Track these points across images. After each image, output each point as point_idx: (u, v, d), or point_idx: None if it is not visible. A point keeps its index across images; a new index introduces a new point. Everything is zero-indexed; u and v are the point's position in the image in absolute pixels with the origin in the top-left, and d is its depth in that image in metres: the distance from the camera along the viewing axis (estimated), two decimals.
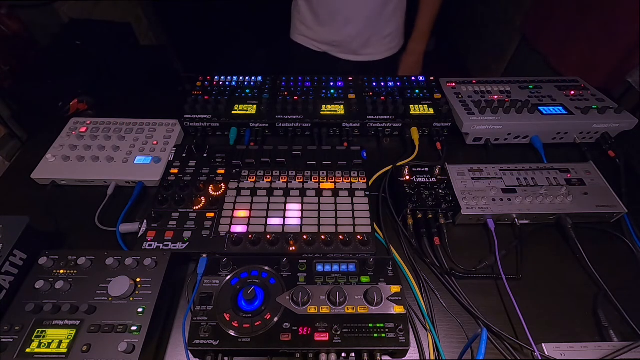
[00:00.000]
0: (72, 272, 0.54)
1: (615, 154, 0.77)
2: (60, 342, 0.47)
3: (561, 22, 1.27)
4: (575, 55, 1.20)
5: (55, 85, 0.99)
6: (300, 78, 0.92)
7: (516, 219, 0.65)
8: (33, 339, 0.48)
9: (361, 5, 1.02)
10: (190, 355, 0.50)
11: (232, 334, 0.49)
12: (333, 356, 0.48)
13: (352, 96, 0.87)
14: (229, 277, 0.54)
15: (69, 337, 0.48)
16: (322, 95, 0.88)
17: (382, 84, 0.91)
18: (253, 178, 0.71)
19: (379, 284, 0.54)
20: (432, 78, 0.92)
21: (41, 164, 0.75)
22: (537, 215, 0.65)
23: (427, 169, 0.71)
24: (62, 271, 0.54)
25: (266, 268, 0.55)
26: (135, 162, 0.76)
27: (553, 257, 0.64)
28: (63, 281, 0.52)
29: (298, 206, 0.66)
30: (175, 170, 0.72)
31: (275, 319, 0.50)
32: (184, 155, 0.75)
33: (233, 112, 0.83)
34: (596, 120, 0.79)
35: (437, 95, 0.87)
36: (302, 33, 1.15)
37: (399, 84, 0.91)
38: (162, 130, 0.83)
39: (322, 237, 0.61)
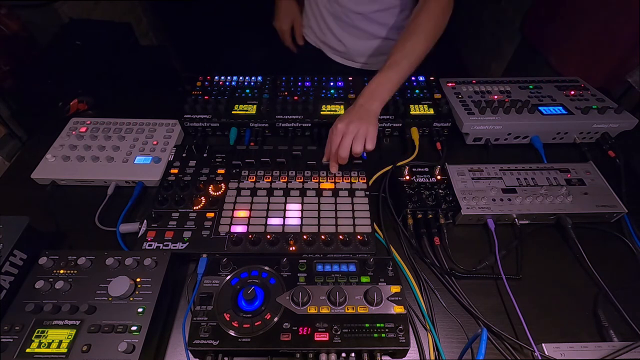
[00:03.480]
0: (72, 272, 0.54)
1: (615, 154, 0.77)
2: (60, 342, 0.47)
3: (561, 22, 1.27)
4: (575, 55, 1.20)
5: (55, 85, 0.99)
6: (300, 78, 0.92)
7: (516, 219, 0.65)
8: (33, 339, 0.48)
9: (376, 21, 0.96)
10: (190, 355, 0.50)
11: (232, 334, 0.49)
12: (333, 356, 0.48)
13: (352, 96, 0.87)
14: (229, 277, 0.54)
15: (69, 337, 0.48)
16: (322, 95, 0.88)
17: None
18: (253, 178, 0.71)
19: (379, 284, 0.54)
20: (432, 78, 0.92)
21: (41, 164, 0.75)
22: (537, 215, 0.65)
23: (427, 169, 0.71)
24: (62, 271, 0.54)
25: (266, 268, 0.55)
26: (135, 162, 0.76)
27: (553, 257, 0.64)
28: (63, 281, 0.52)
29: (298, 206, 0.66)
30: (175, 170, 0.72)
31: (275, 319, 0.50)
32: (184, 155, 0.75)
33: (233, 112, 0.83)
34: (596, 120, 0.79)
35: (437, 95, 0.87)
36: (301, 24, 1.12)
37: None
38: (162, 130, 0.82)
39: (322, 237, 0.61)
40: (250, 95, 0.87)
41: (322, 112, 0.83)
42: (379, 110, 0.71)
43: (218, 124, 0.82)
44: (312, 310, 0.51)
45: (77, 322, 0.49)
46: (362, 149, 0.67)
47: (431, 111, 0.83)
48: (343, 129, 0.67)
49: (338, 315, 0.50)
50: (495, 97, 0.86)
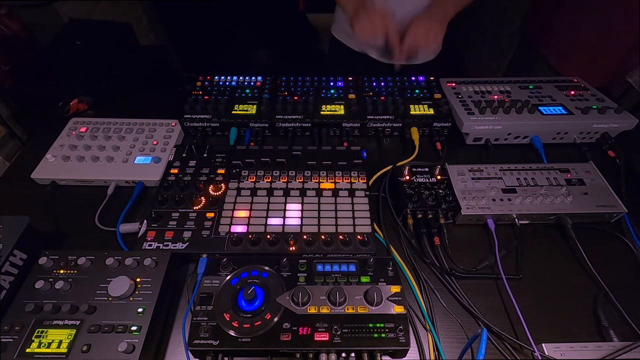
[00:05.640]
0: (72, 272, 0.54)
1: (615, 154, 0.77)
2: (60, 342, 0.47)
3: (561, 22, 1.27)
4: (575, 55, 1.20)
5: (55, 85, 0.99)
6: (300, 78, 0.92)
7: (516, 219, 0.65)
8: (33, 339, 0.48)
9: (405, 7, 0.95)
10: (190, 355, 0.50)
11: (232, 334, 0.49)
12: (333, 356, 0.48)
13: (352, 96, 0.87)
14: (229, 277, 0.54)
15: (69, 337, 0.48)
16: (322, 95, 0.88)
17: (382, 84, 0.91)
18: (253, 178, 0.71)
19: (379, 284, 0.54)
20: (432, 78, 0.92)
21: (41, 164, 0.75)
22: (537, 215, 0.65)
23: (427, 169, 0.71)
24: (62, 271, 0.54)
25: (266, 268, 0.55)
26: (135, 162, 0.76)
27: (553, 257, 0.64)
28: (63, 281, 0.52)
29: (298, 206, 0.66)
30: (175, 170, 0.72)
31: (275, 319, 0.50)
32: (184, 155, 0.75)
33: (233, 112, 0.83)
34: (596, 120, 0.79)
35: (437, 95, 0.87)
36: (342, 29, 1.11)
37: (399, 84, 0.91)
38: (162, 130, 0.82)
39: (322, 237, 0.61)
40: (250, 95, 0.87)
41: (322, 112, 0.83)
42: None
43: (218, 124, 0.82)
44: (312, 310, 0.51)
45: (77, 322, 0.49)
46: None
47: (431, 111, 0.83)
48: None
49: (338, 315, 0.50)
50: (495, 97, 0.86)
